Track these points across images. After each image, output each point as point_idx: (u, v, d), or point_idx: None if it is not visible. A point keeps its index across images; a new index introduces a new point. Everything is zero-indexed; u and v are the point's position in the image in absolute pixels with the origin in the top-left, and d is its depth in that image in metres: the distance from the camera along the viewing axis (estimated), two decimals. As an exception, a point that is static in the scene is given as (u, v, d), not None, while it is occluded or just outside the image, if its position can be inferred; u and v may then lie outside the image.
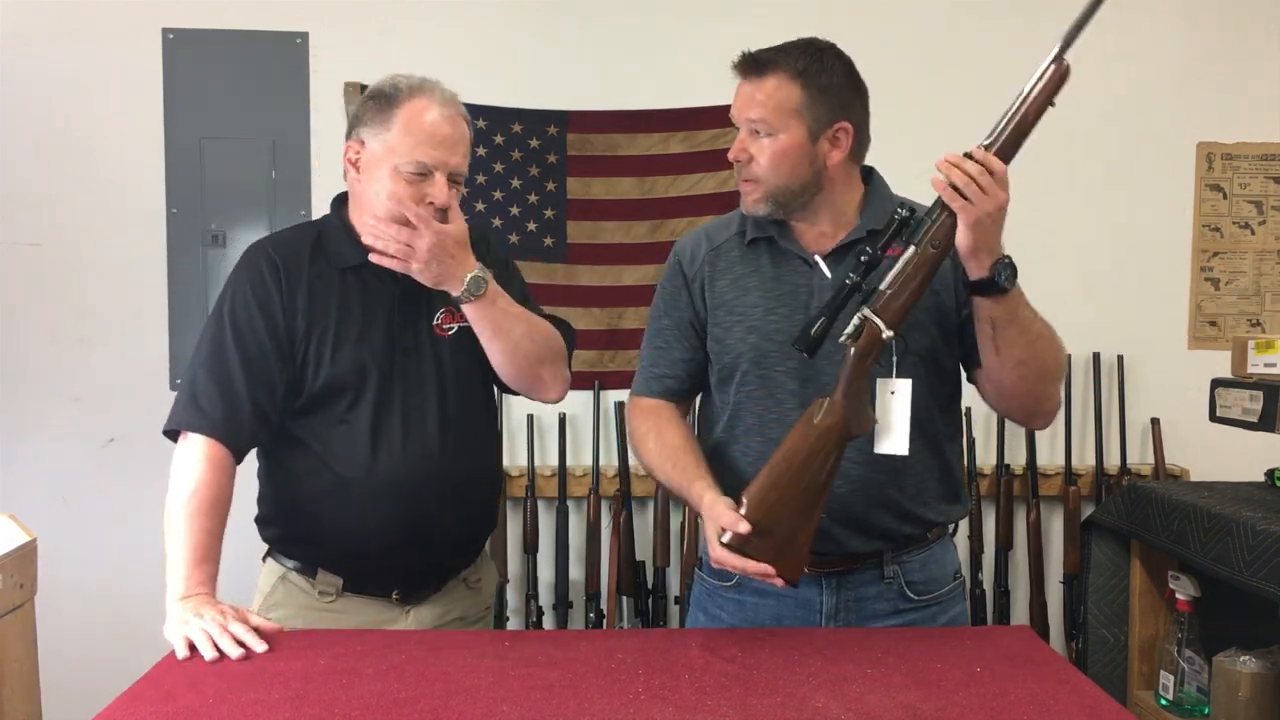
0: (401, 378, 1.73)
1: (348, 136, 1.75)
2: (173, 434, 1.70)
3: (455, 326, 1.77)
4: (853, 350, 1.53)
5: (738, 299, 1.72)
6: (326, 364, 1.70)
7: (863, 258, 1.52)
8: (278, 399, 1.70)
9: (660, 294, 1.82)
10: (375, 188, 1.69)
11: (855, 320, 1.53)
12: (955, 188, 1.46)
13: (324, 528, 1.74)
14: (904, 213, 1.51)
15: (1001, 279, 1.49)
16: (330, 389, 1.71)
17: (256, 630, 1.51)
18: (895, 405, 1.57)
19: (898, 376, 1.57)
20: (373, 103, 1.70)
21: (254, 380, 1.68)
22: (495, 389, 1.87)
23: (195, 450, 1.65)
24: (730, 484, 1.72)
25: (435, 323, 1.77)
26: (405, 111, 1.67)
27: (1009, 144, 1.49)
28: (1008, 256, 1.50)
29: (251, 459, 1.78)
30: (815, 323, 1.54)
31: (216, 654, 1.46)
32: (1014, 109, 1.50)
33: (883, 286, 1.52)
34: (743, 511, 1.53)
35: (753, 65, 1.65)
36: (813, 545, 1.68)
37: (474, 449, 1.80)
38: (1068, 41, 1.48)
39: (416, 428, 1.73)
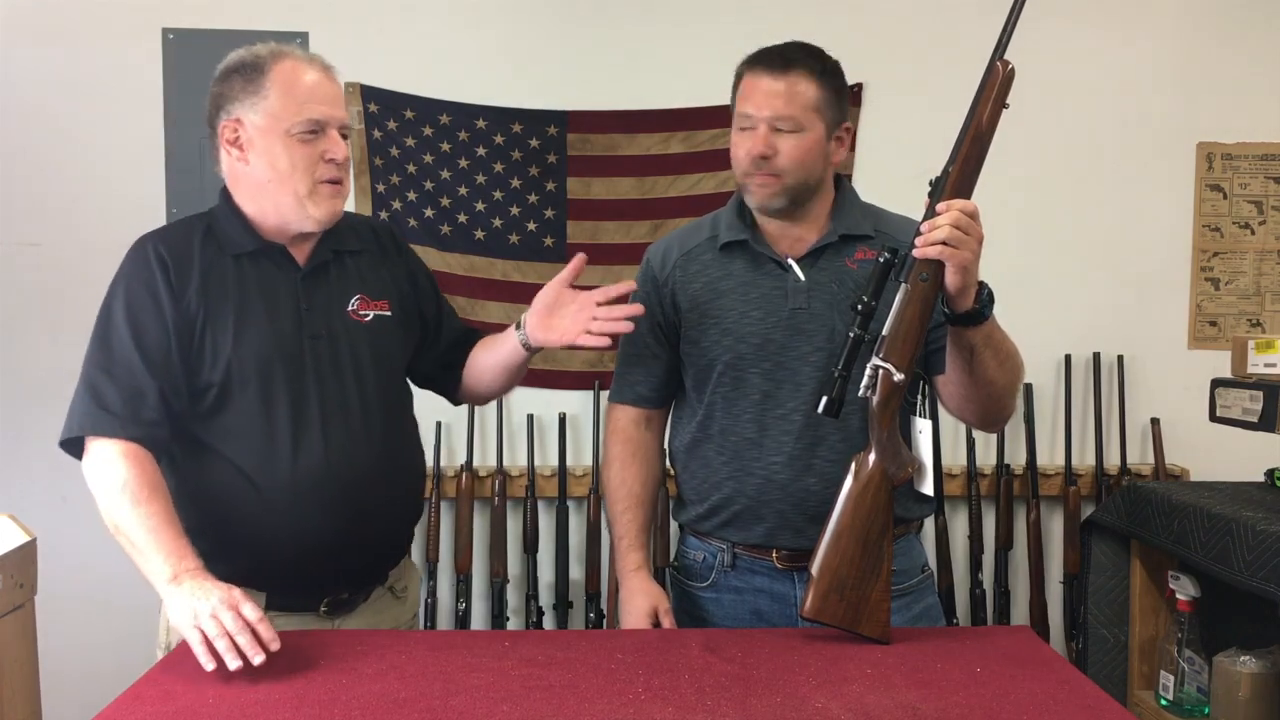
0: (315, 365, 1.64)
1: (213, 122, 1.65)
2: (74, 446, 1.57)
3: (372, 313, 1.71)
4: (874, 401, 1.54)
5: (712, 302, 1.74)
6: (227, 351, 1.60)
7: (858, 308, 1.53)
8: (183, 396, 1.60)
9: (632, 299, 1.83)
10: (268, 160, 1.61)
11: (868, 371, 1.53)
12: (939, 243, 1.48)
13: (249, 533, 1.61)
14: (886, 255, 1.53)
15: (986, 308, 1.53)
16: (234, 378, 1.60)
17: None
18: (921, 445, 1.59)
19: (922, 416, 1.59)
20: (238, 76, 1.62)
21: (157, 375, 1.57)
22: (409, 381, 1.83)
23: (108, 452, 1.54)
24: (702, 484, 1.76)
25: (350, 308, 1.70)
26: (278, 75, 1.60)
27: (972, 157, 1.51)
28: (984, 283, 1.53)
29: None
30: (834, 384, 1.53)
31: (230, 646, 1.36)
32: (966, 124, 1.52)
33: (885, 332, 1.53)
34: (813, 573, 1.53)
35: (778, 61, 1.66)
36: (787, 541, 1.70)
37: (400, 436, 1.76)
38: (1001, 46, 1.52)
39: (338, 416, 1.64)
